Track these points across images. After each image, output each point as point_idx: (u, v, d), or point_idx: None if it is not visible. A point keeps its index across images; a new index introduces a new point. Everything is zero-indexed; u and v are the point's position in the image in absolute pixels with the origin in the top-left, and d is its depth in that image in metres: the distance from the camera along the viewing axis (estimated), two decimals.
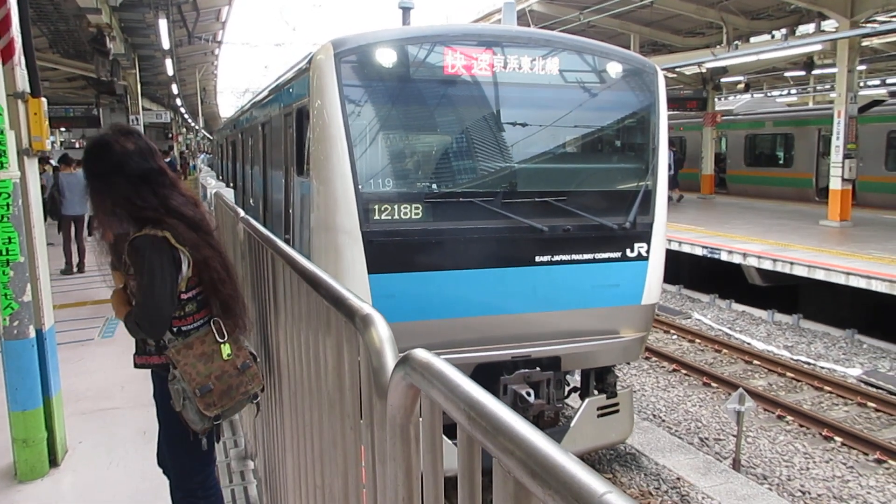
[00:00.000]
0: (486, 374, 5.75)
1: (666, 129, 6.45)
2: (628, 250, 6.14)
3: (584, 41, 6.49)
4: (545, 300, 5.90)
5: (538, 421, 6.76)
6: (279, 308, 2.82)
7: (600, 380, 6.61)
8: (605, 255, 6.06)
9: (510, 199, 5.78)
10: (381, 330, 1.50)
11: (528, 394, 5.74)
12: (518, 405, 5.80)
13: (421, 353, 1.20)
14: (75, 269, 11.84)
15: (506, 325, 5.80)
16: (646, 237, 6.20)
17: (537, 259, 5.82)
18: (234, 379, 2.85)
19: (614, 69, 6.24)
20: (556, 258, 5.88)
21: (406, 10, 7.92)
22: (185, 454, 3.01)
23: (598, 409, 6.41)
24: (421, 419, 1.24)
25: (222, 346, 2.85)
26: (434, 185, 5.73)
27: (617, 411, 6.53)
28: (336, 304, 1.76)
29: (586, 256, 5.98)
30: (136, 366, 3.03)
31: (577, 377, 6.93)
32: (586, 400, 6.42)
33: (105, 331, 8.13)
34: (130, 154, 2.84)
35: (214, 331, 2.87)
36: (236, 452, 4.76)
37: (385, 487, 1.41)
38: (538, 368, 5.93)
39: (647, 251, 6.21)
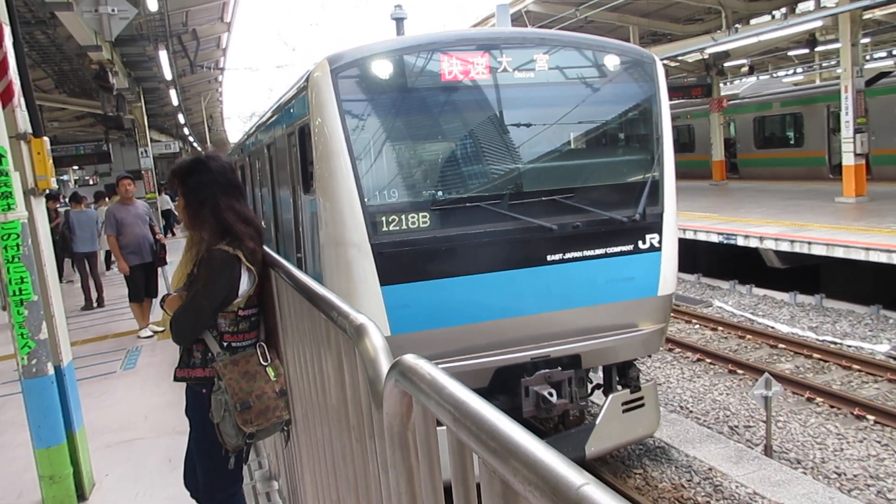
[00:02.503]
0: (507, 378, 5.73)
1: (669, 118, 6.40)
2: (640, 242, 6.09)
3: (579, 37, 6.47)
4: (560, 299, 5.86)
5: (563, 421, 6.72)
6: (286, 327, 2.83)
7: (623, 375, 6.54)
8: (618, 249, 6.01)
9: (517, 201, 5.77)
10: (375, 339, 1.49)
11: (551, 394, 5.69)
12: (541, 406, 5.77)
13: (409, 359, 1.20)
14: (95, 305, 11.97)
15: (522, 326, 5.76)
16: (657, 228, 6.14)
17: (549, 258, 5.78)
18: (272, 402, 2.94)
19: (612, 62, 6.20)
20: (568, 256, 5.84)
21: (399, 21, 7.95)
22: (213, 469, 3.12)
23: (622, 404, 6.34)
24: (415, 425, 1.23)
25: (267, 368, 2.98)
26: (440, 192, 5.72)
27: (642, 405, 6.46)
28: (332, 318, 1.76)
29: (598, 252, 5.94)
30: (175, 379, 3.13)
31: (600, 374, 6.86)
32: (610, 396, 6.36)
33: (127, 363, 8.20)
34: (221, 169, 3.13)
35: (259, 354, 3.01)
36: (261, 474, 4.77)
37: (389, 496, 1.40)
38: (559, 368, 5.88)
39: (660, 242, 6.15)
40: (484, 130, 5.91)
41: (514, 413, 5.99)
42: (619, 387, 6.51)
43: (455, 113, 5.93)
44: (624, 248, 6.03)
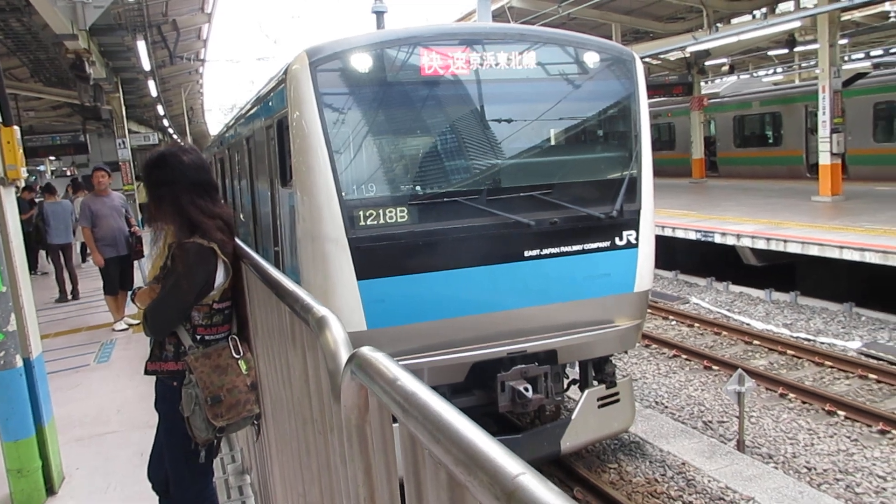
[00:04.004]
0: (483, 373, 5.74)
1: (648, 115, 6.43)
2: (617, 239, 6.12)
3: (559, 33, 6.45)
4: (537, 294, 5.88)
5: (539, 416, 6.74)
6: (255, 320, 2.82)
7: (599, 370, 6.58)
8: (595, 245, 6.04)
9: (495, 196, 5.76)
10: (336, 332, 1.49)
11: (526, 389, 5.71)
12: (517, 401, 5.78)
13: (364, 351, 1.19)
14: (69, 297, 11.83)
15: (500, 321, 5.77)
16: (634, 224, 6.17)
17: (526, 254, 5.79)
18: (243, 395, 2.93)
19: (591, 59, 6.21)
20: (546, 251, 5.85)
21: (379, 15, 7.91)
22: (183, 463, 3.11)
23: (598, 399, 6.38)
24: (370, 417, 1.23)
25: (239, 361, 2.97)
26: (418, 188, 5.71)
27: (618, 401, 6.51)
28: (296, 311, 1.75)
29: (575, 248, 5.96)
30: (146, 372, 3.12)
31: (576, 369, 6.90)
32: (586, 391, 6.39)
33: (100, 356, 8.11)
34: (189, 166, 3.09)
35: (231, 346, 3.00)
36: (233, 468, 4.75)
37: (348, 489, 1.40)
38: (535, 363, 5.90)
39: (637, 238, 6.19)
40: (463, 126, 5.89)
41: (490, 408, 6.00)
42: (595, 382, 6.55)
43: (434, 108, 5.91)
44: (601, 245, 6.06)
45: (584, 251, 6.00)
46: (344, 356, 1.43)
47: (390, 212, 5.47)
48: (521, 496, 0.67)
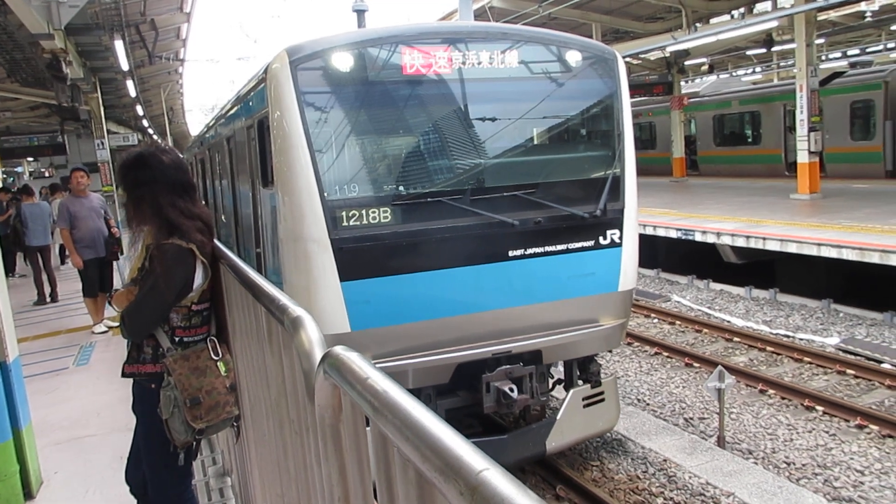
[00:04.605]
0: (468, 374, 5.71)
1: (630, 114, 6.43)
2: (601, 238, 6.12)
3: (541, 32, 6.43)
4: (522, 294, 5.86)
5: (524, 416, 6.71)
6: (234, 321, 2.80)
7: (584, 370, 6.58)
8: (578, 245, 6.03)
9: (479, 196, 5.73)
10: (311, 332, 1.49)
11: (511, 390, 5.69)
12: (502, 402, 5.76)
13: (337, 351, 1.19)
14: (48, 300, 11.70)
15: (484, 322, 5.75)
16: (617, 224, 6.17)
17: (511, 254, 5.77)
18: (223, 397, 2.91)
19: (574, 58, 6.20)
20: (530, 251, 5.84)
21: (360, 13, 7.85)
22: (162, 467, 3.08)
23: (583, 399, 6.38)
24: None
25: (218, 363, 2.96)
26: (401, 187, 5.67)
27: (603, 400, 6.51)
28: (272, 311, 1.74)
29: (559, 247, 5.95)
30: (124, 375, 3.08)
31: (561, 369, 6.92)
32: (571, 391, 6.39)
33: (80, 359, 8.03)
34: (169, 166, 3.06)
35: (210, 348, 2.98)
36: (214, 470, 4.72)
37: (324, 489, 1.40)
38: (520, 364, 5.89)
39: (620, 238, 6.18)
40: (446, 125, 5.86)
41: (476, 409, 5.98)
42: (580, 382, 6.55)
43: (417, 107, 5.87)
44: (585, 244, 6.06)
45: (568, 251, 5.99)
46: (318, 356, 1.43)
47: (373, 212, 5.42)
48: (485, 491, 0.68)
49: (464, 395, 5.95)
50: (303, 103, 5.32)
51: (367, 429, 1.08)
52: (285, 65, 5.38)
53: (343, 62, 5.44)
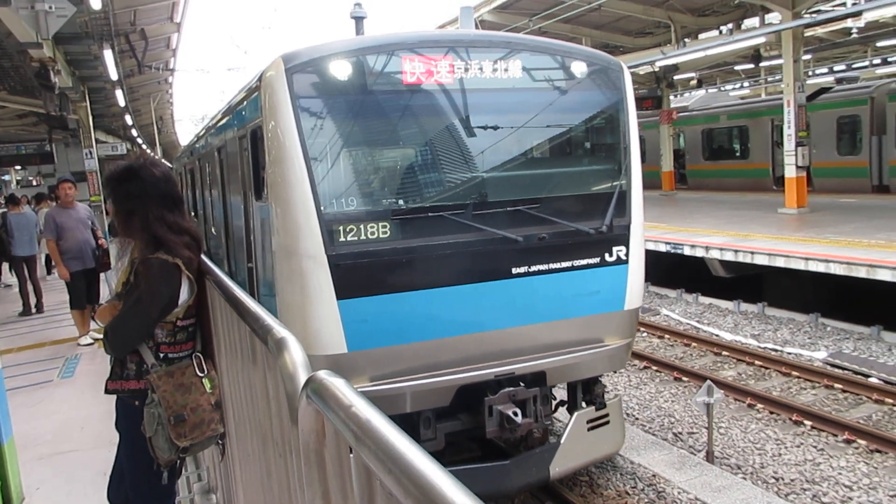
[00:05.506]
0: (470, 396, 5.48)
1: (636, 127, 6.26)
2: (607, 255, 5.90)
3: (546, 42, 6.24)
4: (525, 313, 5.62)
5: (525, 439, 6.29)
6: (219, 338, 2.77)
7: (588, 391, 6.33)
8: (584, 262, 5.81)
9: (481, 210, 5.49)
10: (295, 354, 1.46)
11: (516, 414, 5.43)
12: (506, 426, 5.51)
13: (320, 376, 1.17)
14: (34, 310, 11.58)
15: (486, 342, 5.51)
16: (624, 240, 5.97)
17: (514, 271, 5.54)
18: (208, 414, 2.87)
19: (579, 68, 6.00)
20: (534, 268, 5.61)
21: (359, 20, 7.58)
22: (145, 485, 3.05)
23: (587, 421, 6.12)
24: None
25: (203, 379, 2.91)
26: (401, 201, 5.43)
27: (608, 422, 6.25)
28: (255, 330, 1.72)
29: (564, 264, 5.73)
30: (107, 391, 3.04)
31: (563, 389, 6.62)
32: (575, 414, 6.11)
33: (65, 371, 7.94)
34: (160, 178, 3.06)
35: (195, 364, 2.93)
36: (199, 487, 4.66)
37: None
38: (521, 385, 5.64)
39: (627, 254, 5.97)
40: (447, 136, 5.64)
41: (477, 433, 5.70)
42: (584, 404, 6.29)
43: (417, 117, 5.65)
44: (590, 261, 5.84)
45: (573, 268, 5.76)
46: (302, 379, 1.40)
47: (372, 227, 5.18)
48: None
49: (465, 418, 5.69)
50: (299, 112, 5.08)
51: (352, 455, 1.05)
52: (281, 72, 5.14)
53: (341, 70, 5.22)
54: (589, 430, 6.12)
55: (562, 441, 5.99)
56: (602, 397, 6.33)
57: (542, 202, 5.76)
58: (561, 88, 6.04)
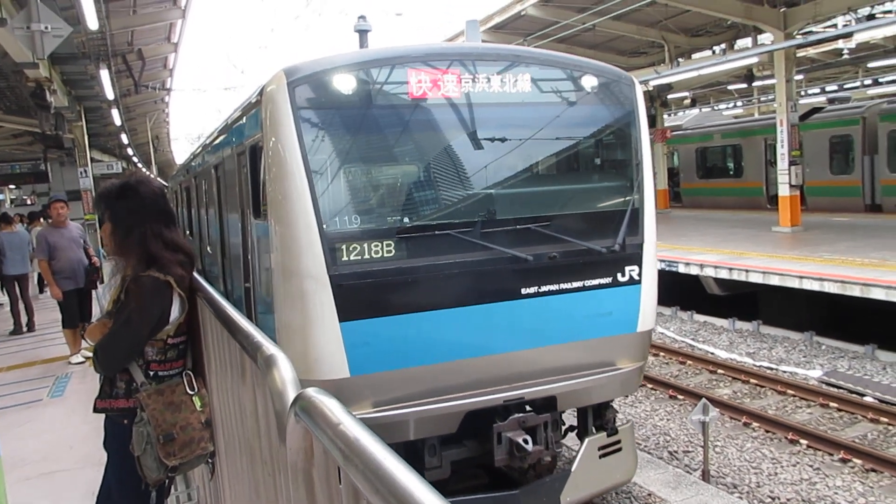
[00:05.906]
0: (478, 422, 5.27)
1: (649, 142, 6.08)
2: (619, 275, 5.68)
3: (554, 55, 6.06)
4: (535, 335, 5.40)
5: (534, 467, 5.99)
6: (210, 356, 2.75)
7: (598, 416, 6.07)
8: (596, 282, 5.59)
9: (490, 229, 5.30)
10: (284, 371, 1.45)
11: (526, 441, 5.18)
12: (515, 454, 5.27)
13: (309, 393, 1.16)
14: (25, 329, 11.50)
15: (495, 366, 5.27)
16: (637, 259, 5.75)
17: (524, 291, 5.32)
18: (197, 433, 2.84)
19: (589, 83, 5.80)
20: (544, 289, 5.37)
21: (363, 34, 7.47)
22: None
23: (599, 448, 5.85)
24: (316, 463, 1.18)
25: (194, 397, 2.88)
26: (406, 219, 5.24)
27: (620, 449, 5.98)
28: (245, 348, 1.70)
29: (575, 284, 5.50)
30: (95, 410, 3.01)
31: (573, 413, 6.32)
32: (586, 440, 5.82)
33: (55, 390, 7.86)
34: (158, 195, 3.11)
35: (185, 382, 2.90)
36: None
37: None
38: (530, 409, 5.43)
39: (640, 274, 5.76)
40: (454, 152, 5.46)
41: (485, 460, 5.49)
42: (595, 429, 6.01)
43: (422, 132, 5.46)
44: (602, 281, 5.61)
45: (584, 288, 5.54)
46: (290, 397, 1.39)
47: (376, 245, 4.97)
48: None
49: (471, 445, 5.44)
50: (301, 127, 4.89)
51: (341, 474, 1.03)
52: (282, 86, 4.95)
53: (344, 83, 5.03)
54: (601, 457, 5.85)
55: (573, 469, 5.72)
56: (614, 422, 6.08)
57: (553, 220, 5.54)
58: (571, 103, 5.84)
